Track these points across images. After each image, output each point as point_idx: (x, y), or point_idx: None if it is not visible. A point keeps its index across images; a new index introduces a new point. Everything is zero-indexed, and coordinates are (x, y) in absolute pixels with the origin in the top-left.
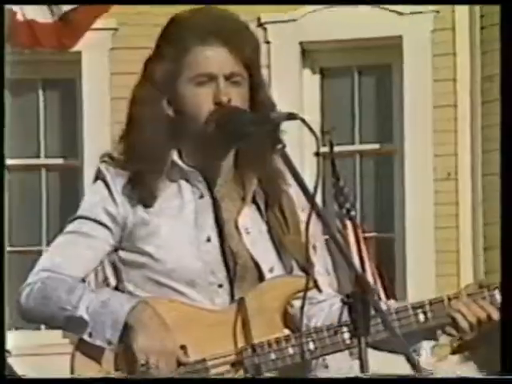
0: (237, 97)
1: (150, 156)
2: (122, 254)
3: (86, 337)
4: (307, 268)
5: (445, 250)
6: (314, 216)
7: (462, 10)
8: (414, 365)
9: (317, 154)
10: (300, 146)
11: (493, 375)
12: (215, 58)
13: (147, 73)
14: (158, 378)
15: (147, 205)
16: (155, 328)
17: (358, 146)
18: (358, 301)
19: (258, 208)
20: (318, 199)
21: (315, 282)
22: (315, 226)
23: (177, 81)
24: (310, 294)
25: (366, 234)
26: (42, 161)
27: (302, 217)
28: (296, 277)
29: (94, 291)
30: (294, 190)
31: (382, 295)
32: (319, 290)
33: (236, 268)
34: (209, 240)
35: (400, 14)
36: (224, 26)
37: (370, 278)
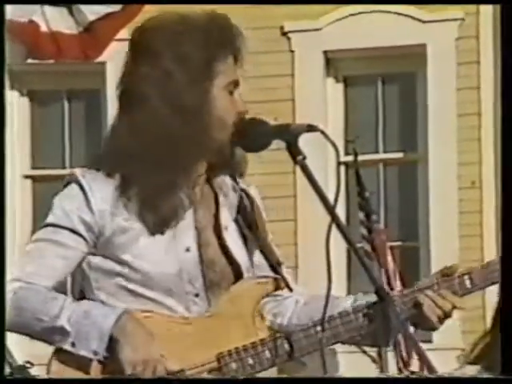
0: None
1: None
2: (94, 259)
3: (67, 347)
4: (281, 271)
5: (469, 259)
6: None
7: (486, 17)
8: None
9: (338, 164)
10: (324, 156)
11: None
12: (233, 65)
13: (166, 70)
14: (158, 377)
15: (155, 233)
16: (140, 339)
17: (381, 155)
18: (377, 312)
19: (229, 210)
20: (341, 209)
21: (286, 281)
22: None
23: (207, 85)
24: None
25: (390, 243)
26: (67, 172)
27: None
28: (268, 278)
29: (74, 301)
30: (254, 192)
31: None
32: (290, 290)
33: (213, 276)
34: (188, 250)
35: (424, 22)
36: (230, 34)
37: (397, 285)
